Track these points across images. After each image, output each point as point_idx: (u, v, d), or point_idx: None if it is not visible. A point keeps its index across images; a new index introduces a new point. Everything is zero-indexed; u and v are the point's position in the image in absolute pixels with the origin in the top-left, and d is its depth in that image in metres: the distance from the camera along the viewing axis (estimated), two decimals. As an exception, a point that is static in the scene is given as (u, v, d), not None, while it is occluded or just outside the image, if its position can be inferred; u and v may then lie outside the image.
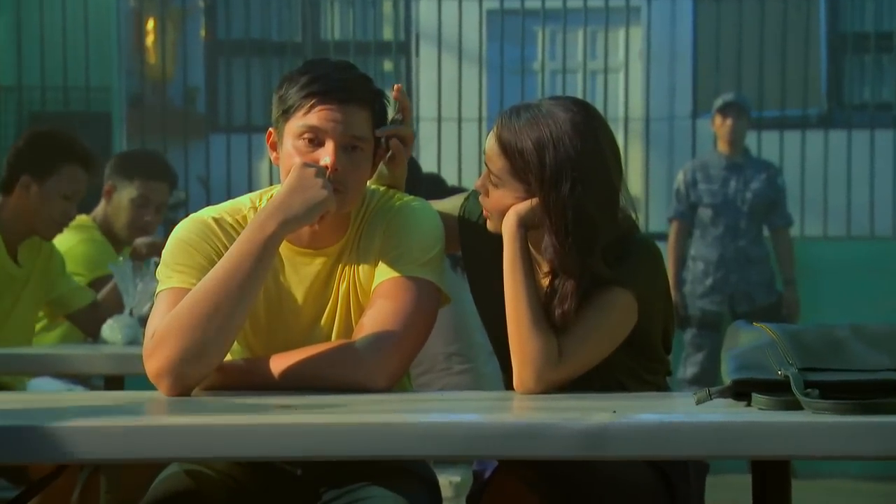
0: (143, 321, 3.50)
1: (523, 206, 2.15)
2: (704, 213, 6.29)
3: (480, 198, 2.25)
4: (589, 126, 2.15)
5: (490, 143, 2.20)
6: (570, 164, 2.11)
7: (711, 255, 6.26)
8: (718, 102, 6.37)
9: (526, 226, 2.16)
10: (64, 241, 3.97)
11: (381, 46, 7.53)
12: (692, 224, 6.33)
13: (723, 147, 6.36)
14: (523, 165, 2.13)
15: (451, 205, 2.39)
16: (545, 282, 2.20)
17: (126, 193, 4.19)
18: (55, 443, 1.73)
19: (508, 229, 2.16)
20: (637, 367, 2.26)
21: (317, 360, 2.14)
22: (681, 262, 6.33)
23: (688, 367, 6.25)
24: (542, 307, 2.15)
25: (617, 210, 2.18)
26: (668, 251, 6.25)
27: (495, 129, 2.19)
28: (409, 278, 2.19)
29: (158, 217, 4.23)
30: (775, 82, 6.96)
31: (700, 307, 6.26)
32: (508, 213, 2.16)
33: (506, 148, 2.15)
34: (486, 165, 2.21)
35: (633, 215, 2.24)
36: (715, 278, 6.25)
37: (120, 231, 4.17)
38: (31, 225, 3.69)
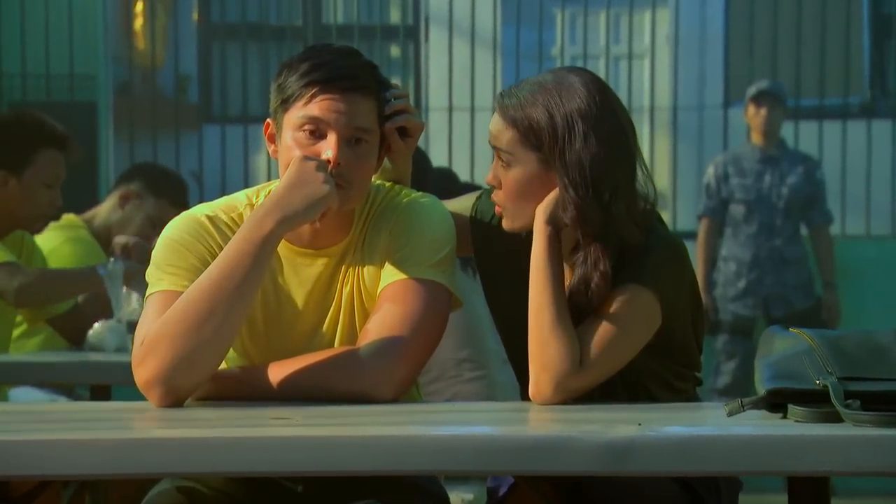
0: (131, 326, 3.51)
1: (550, 199, 2.17)
2: (737, 210, 6.29)
3: (493, 194, 2.26)
4: (595, 82, 2.20)
5: (494, 121, 2.23)
6: (580, 116, 2.16)
7: (744, 255, 6.26)
8: (752, 90, 6.37)
9: (555, 223, 2.17)
10: (48, 241, 3.97)
11: (388, 31, 7.54)
12: (723, 222, 6.33)
13: (757, 139, 6.35)
14: (533, 127, 2.16)
15: (462, 204, 2.40)
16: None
17: (146, 209, 4.20)
18: (37, 457, 1.74)
19: (538, 225, 2.18)
20: (665, 372, 2.26)
21: (318, 368, 2.15)
22: (711, 262, 6.33)
23: (719, 376, 6.25)
24: (569, 307, 2.15)
25: (636, 167, 2.20)
26: (697, 251, 6.25)
27: (497, 107, 2.22)
28: (418, 280, 2.19)
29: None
30: (814, 68, 6.95)
31: (732, 311, 6.26)
32: (538, 210, 2.18)
33: (513, 119, 2.18)
34: (493, 148, 2.22)
35: (654, 197, 2.25)
36: (748, 280, 6.25)
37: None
38: (13, 221, 3.69)
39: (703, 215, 6.36)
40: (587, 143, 2.15)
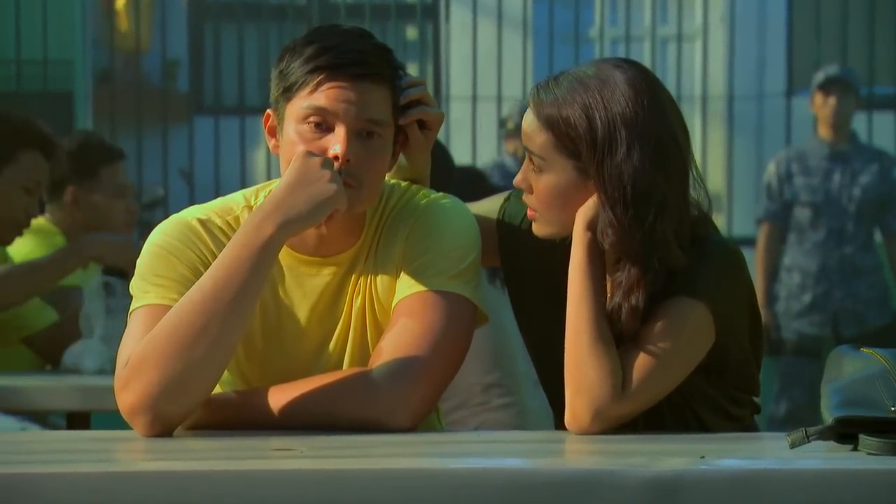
0: (114, 345, 3.52)
1: (592, 203, 2.17)
2: (802, 214, 6.29)
3: (524, 197, 2.26)
4: (645, 80, 2.19)
5: (528, 119, 2.23)
6: (623, 122, 2.15)
7: (810, 265, 6.26)
8: (819, 77, 6.37)
9: (595, 229, 2.18)
10: (19, 247, 3.99)
11: (404, 10, 7.56)
12: (786, 227, 6.33)
13: (824, 132, 6.35)
14: (570, 132, 2.17)
15: (488, 207, 2.41)
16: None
17: (98, 192, 4.22)
18: (8, 493, 1.75)
19: (578, 231, 2.19)
20: (719, 397, 2.27)
21: (325, 392, 2.16)
22: (772, 273, 6.33)
23: (780, 403, 6.25)
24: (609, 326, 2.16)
25: (688, 180, 2.20)
26: (756, 260, 6.25)
27: (531, 103, 2.22)
28: (439, 293, 2.20)
29: (137, 205, 4.29)
30: (888, 52, 6.94)
31: (796, 329, 6.25)
32: (578, 214, 2.18)
33: (548, 119, 2.18)
34: (526, 149, 2.23)
35: (707, 203, 2.25)
36: (815, 294, 6.24)
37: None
38: None
39: (763, 219, 6.36)
40: (630, 154, 2.15)
